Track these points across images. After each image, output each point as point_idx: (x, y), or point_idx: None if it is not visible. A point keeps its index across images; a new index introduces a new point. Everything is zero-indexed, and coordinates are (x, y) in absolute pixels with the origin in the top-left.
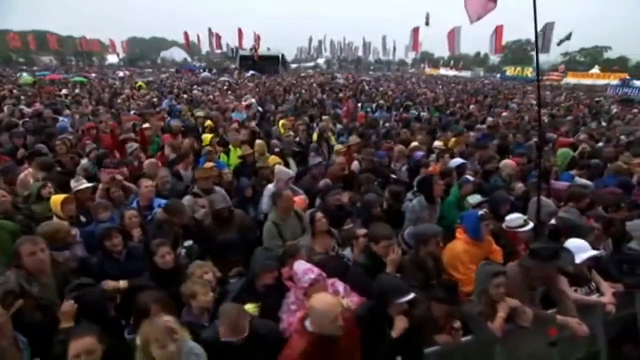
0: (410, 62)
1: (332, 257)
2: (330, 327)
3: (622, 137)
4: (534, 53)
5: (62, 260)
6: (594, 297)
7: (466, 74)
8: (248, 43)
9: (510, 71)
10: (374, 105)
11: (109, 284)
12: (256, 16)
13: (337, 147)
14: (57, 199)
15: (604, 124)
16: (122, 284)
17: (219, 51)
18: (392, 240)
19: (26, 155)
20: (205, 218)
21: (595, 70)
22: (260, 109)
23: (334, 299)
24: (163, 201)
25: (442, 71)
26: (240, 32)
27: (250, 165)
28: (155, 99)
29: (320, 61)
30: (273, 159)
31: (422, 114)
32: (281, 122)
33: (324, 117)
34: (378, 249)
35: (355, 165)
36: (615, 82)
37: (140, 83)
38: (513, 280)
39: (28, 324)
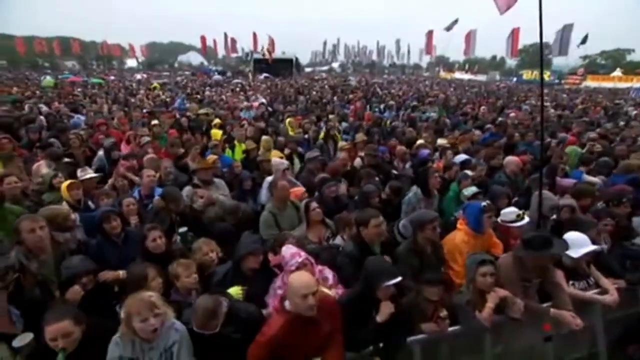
0: (425, 66)
1: (325, 247)
2: (301, 305)
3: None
4: (551, 56)
5: (63, 240)
6: (590, 293)
7: (482, 77)
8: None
9: (527, 75)
10: (382, 106)
11: (108, 274)
12: (272, 21)
13: (341, 143)
14: (65, 184)
15: (622, 123)
16: (122, 274)
17: (234, 55)
18: (380, 218)
19: (38, 147)
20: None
21: (617, 73)
22: (269, 108)
23: (310, 279)
24: None
25: (457, 75)
26: (255, 36)
27: (253, 160)
28: (168, 99)
29: (335, 65)
30: (275, 153)
31: (430, 114)
32: (288, 120)
33: (330, 116)
34: (368, 232)
35: (357, 162)
36: (638, 84)
37: (155, 84)
38: (506, 271)
39: (26, 300)
